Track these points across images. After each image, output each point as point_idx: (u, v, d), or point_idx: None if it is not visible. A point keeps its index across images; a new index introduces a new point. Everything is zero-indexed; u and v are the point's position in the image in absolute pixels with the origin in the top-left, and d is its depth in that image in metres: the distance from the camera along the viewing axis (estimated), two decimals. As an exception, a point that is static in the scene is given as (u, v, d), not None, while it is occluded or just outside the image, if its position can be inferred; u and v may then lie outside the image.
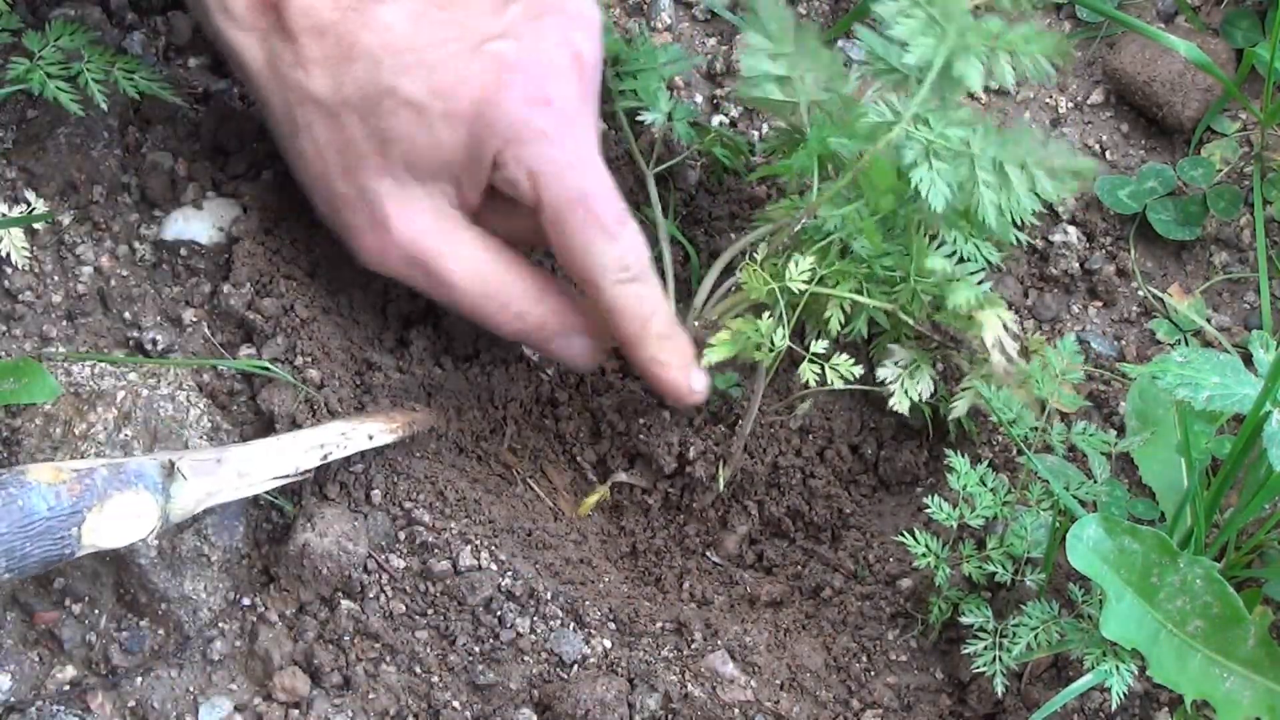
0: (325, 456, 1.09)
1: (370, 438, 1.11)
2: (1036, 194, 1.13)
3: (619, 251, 1.10)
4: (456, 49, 1.07)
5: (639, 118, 1.26)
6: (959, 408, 1.18)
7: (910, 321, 1.18)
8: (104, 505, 0.99)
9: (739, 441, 1.21)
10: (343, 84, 1.07)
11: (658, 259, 1.21)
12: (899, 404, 1.18)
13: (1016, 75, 1.11)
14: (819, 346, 1.15)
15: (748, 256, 1.20)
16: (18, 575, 0.97)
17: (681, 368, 1.15)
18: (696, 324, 1.20)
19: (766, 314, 1.13)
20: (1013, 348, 1.15)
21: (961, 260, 1.18)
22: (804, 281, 1.13)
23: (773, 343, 1.13)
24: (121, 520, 1.00)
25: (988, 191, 1.12)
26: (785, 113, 1.21)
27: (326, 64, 1.07)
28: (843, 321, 1.17)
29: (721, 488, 1.21)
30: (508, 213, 1.13)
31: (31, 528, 0.96)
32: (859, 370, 1.15)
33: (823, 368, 1.14)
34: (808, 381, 1.14)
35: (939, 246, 1.17)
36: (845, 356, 1.15)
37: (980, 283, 1.18)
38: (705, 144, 1.28)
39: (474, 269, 1.12)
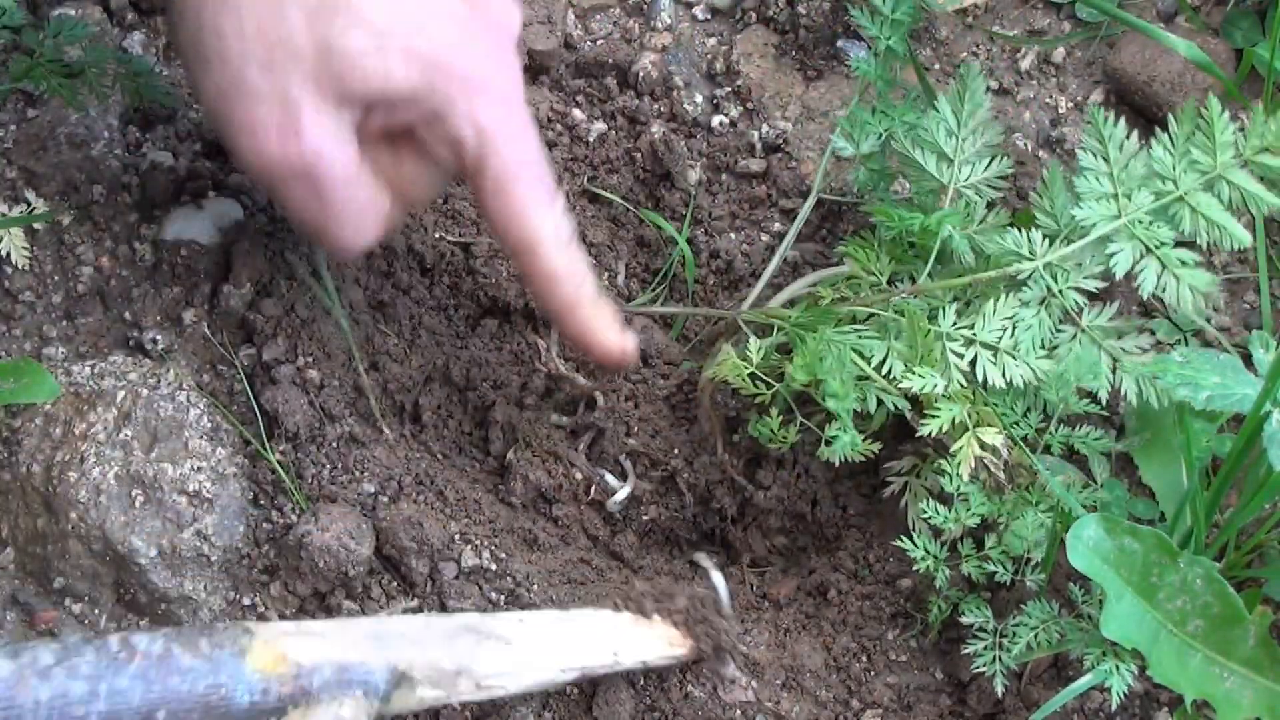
0: (584, 671, 1.05)
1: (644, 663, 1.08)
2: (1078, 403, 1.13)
3: (556, 218, 1.09)
4: None
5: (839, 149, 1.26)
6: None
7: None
8: (309, 709, 0.92)
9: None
10: None
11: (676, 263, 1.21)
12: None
13: (1157, 288, 1.12)
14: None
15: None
16: None
17: (616, 329, 1.15)
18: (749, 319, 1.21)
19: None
20: (996, 467, 1.12)
21: None
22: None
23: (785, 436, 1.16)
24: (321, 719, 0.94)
25: (1064, 371, 1.12)
26: (925, 185, 1.21)
27: None
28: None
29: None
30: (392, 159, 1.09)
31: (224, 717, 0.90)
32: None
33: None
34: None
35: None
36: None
37: None
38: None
39: (353, 194, 1.06)
